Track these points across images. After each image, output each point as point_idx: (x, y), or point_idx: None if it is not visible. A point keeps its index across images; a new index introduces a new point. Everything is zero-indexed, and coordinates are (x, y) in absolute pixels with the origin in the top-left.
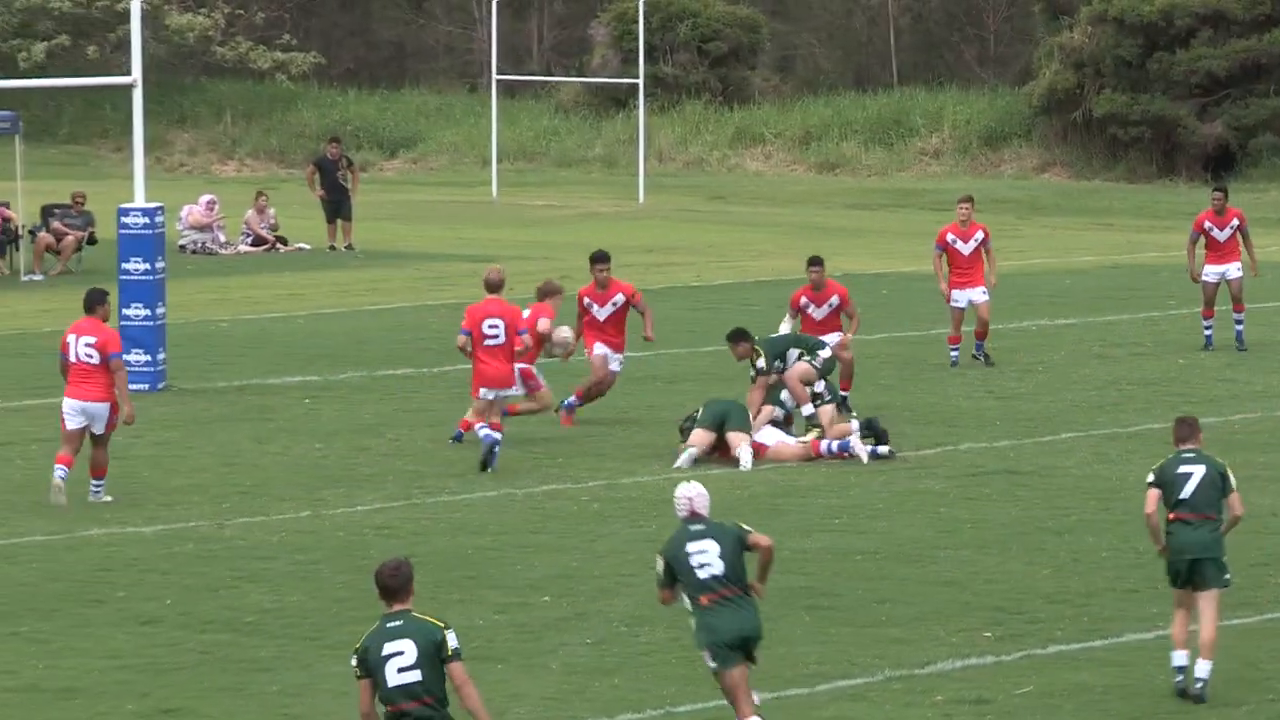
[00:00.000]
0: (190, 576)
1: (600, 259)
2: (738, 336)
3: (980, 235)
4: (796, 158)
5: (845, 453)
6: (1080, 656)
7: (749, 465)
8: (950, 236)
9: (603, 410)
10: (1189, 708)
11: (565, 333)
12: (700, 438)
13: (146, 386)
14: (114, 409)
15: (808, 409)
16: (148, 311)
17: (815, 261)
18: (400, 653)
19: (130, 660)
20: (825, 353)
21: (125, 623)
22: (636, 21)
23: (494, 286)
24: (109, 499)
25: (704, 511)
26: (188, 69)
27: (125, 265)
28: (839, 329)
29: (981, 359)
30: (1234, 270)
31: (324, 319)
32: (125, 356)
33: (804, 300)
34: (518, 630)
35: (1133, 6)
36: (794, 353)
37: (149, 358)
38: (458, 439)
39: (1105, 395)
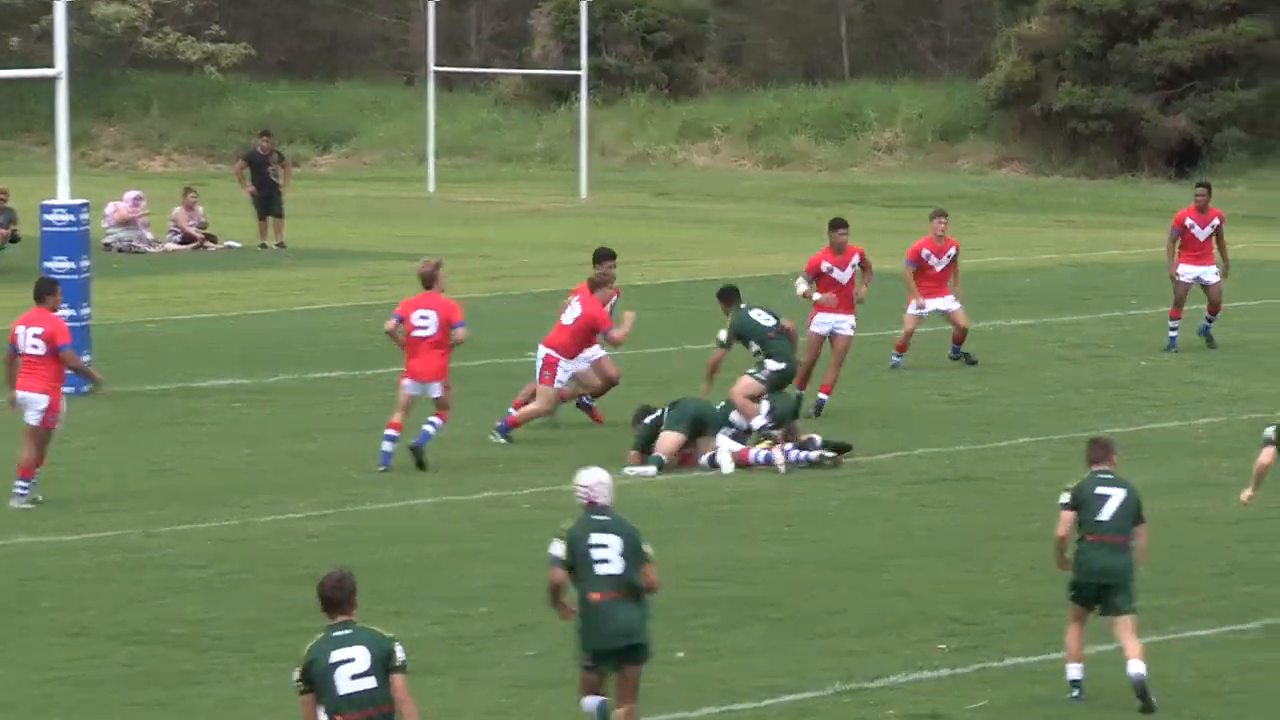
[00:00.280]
0: (118, 587)
1: (607, 256)
2: (726, 296)
3: (954, 251)
4: (745, 152)
5: (769, 463)
6: (1037, 670)
7: (730, 469)
8: (925, 252)
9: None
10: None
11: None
12: (670, 442)
13: (72, 390)
14: (52, 406)
15: (758, 421)
16: (73, 312)
17: (841, 224)
18: (352, 659)
19: (57, 673)
20: (775, 365)
21: (52, 635)
22: (578, 11)
23: (425, 280)
24: (29, 505)
25: (604, 501)
26: (114, 61)
27: (49, 264)
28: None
29: (963, 359)
30: (1211, 274)
31: (255, 320)
32: None
33: (826, 265)
34: (457, 642)
35: None
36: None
37: None
38: (503, 431)
39: (1065, 398)
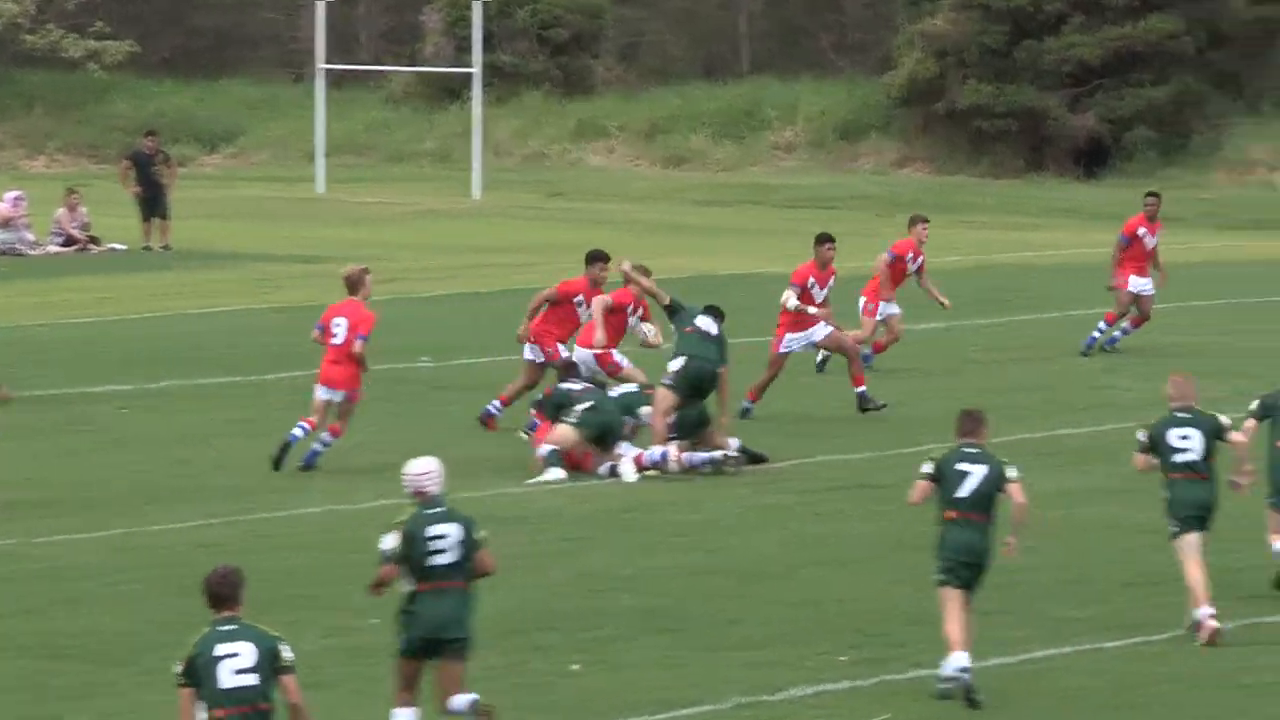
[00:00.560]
0: (2, 599)
1: (601, 258)
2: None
3: (921, 259)
4: (642, 152)
5: (663, 461)
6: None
7: (634, 478)
8: (909, 255)
9: (437, 422)
10: None
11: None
12: (566, 437)
13: None
14: None
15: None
16: None
17: (828, 239)
18: (236, 654)
19: None
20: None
21: None
22: (471, 7)
23: (349, 285)
24: None
25: (435, 490)
26: None
27: None
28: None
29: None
30: (1149, 287)
31: (140, 323)
32: None
33: (811, 279)
34: (348, 654)
35: None
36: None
37: None
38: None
39: (973, 404)
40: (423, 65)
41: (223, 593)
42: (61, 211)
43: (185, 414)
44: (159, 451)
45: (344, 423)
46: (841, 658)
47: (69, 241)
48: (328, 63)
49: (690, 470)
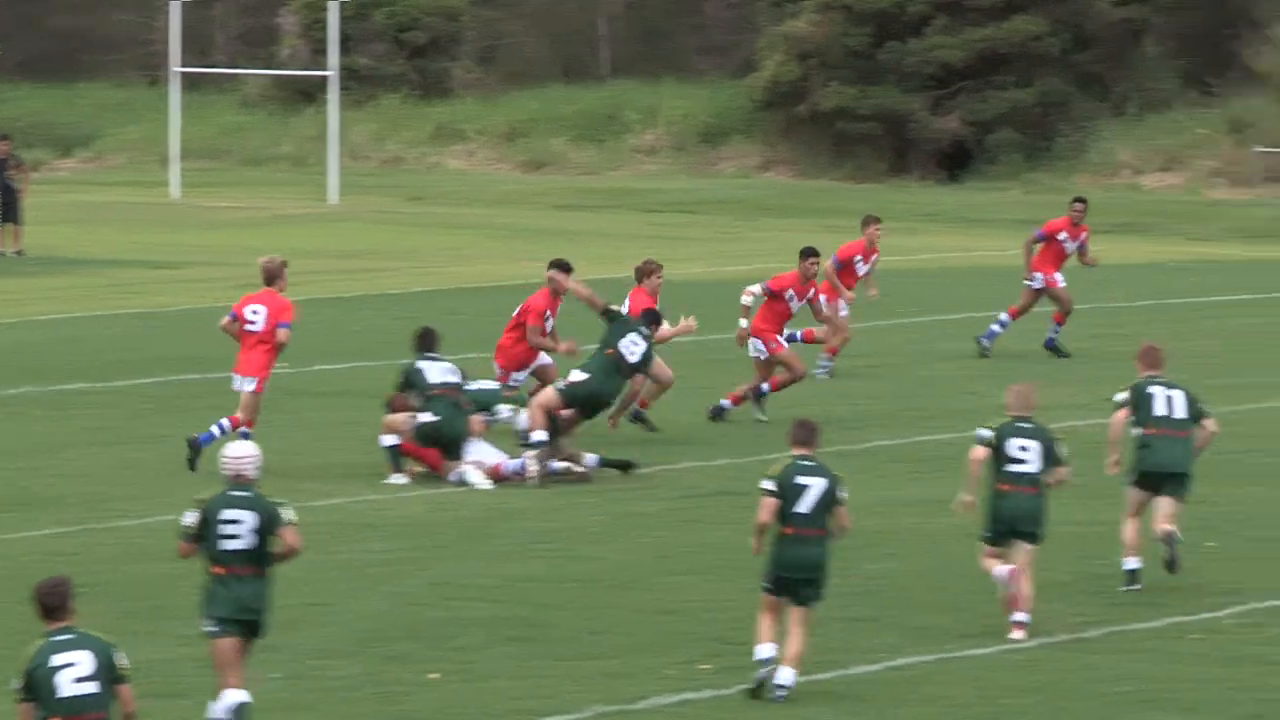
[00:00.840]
0: None
1: (565, 267)
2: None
3: (875, 259)
4: (501, 155)
5: (522, 471)
6: (803, 690)
7: (485, 485)
8: (857, 258)
9: (295, 429)
10: None
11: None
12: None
13: None
14: None
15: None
16: None
17: (813, 253)
18: (75, 664)
19: None
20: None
21: None
22: (327, 10)
23: (266, 276)
24: None
25: (252, 475)
26: None
27: None
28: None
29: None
30: (1060, 279)
31: None
32: None
33: (790, 292)
34: (202, 664)
35: None
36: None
37: None
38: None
39: (836, 410)
40: (279, 68)
41: (52, 603)
42: None
43: (40, 421)
44: (10, 460)
45: (245, 414)
46: (703, 666)
47: None
48: (183, 65)
49: (549, 478)
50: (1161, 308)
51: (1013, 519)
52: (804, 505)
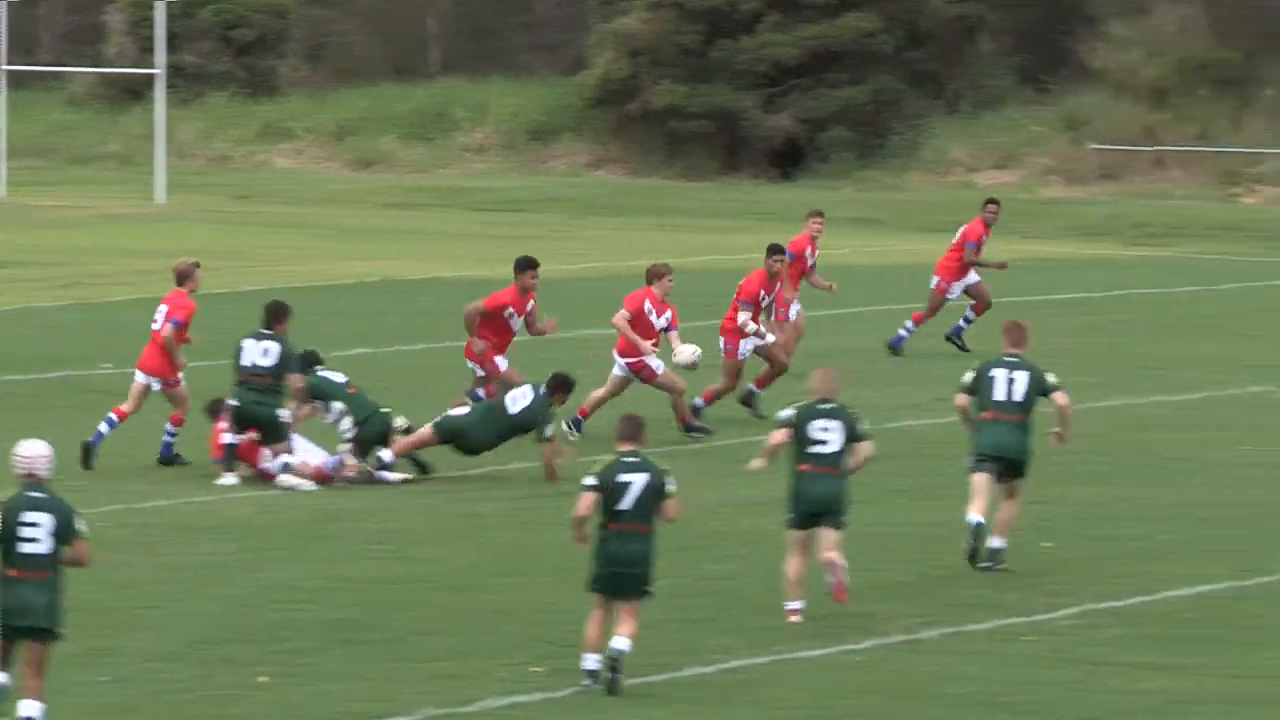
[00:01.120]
0: None
1: (531, 265)
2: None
3: (817, 253)
4: (330, 154)
5: (337, 471)
6: (638, 692)
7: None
8: (808, 251)
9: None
10: None
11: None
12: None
13: None
14: None
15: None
16: None
17: (779, 249)
18: None
19: None
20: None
21: None
22: (154, 7)
23: (178, 277)
24: None
25: (45, 475)
26: None
27: None
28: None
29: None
30: (974, 276)
31: None
32: None
33: (762, 293)
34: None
35: None
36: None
37: None
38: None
39: (665, 409)
40: (105, 66)
41: None
42: None
43: None
44: None
45: (180, 409)
46: (535, 668)
47: None
48: (8, 64)
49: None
50: (1000, 306)
51: (813, 500)
52: (626, 502)
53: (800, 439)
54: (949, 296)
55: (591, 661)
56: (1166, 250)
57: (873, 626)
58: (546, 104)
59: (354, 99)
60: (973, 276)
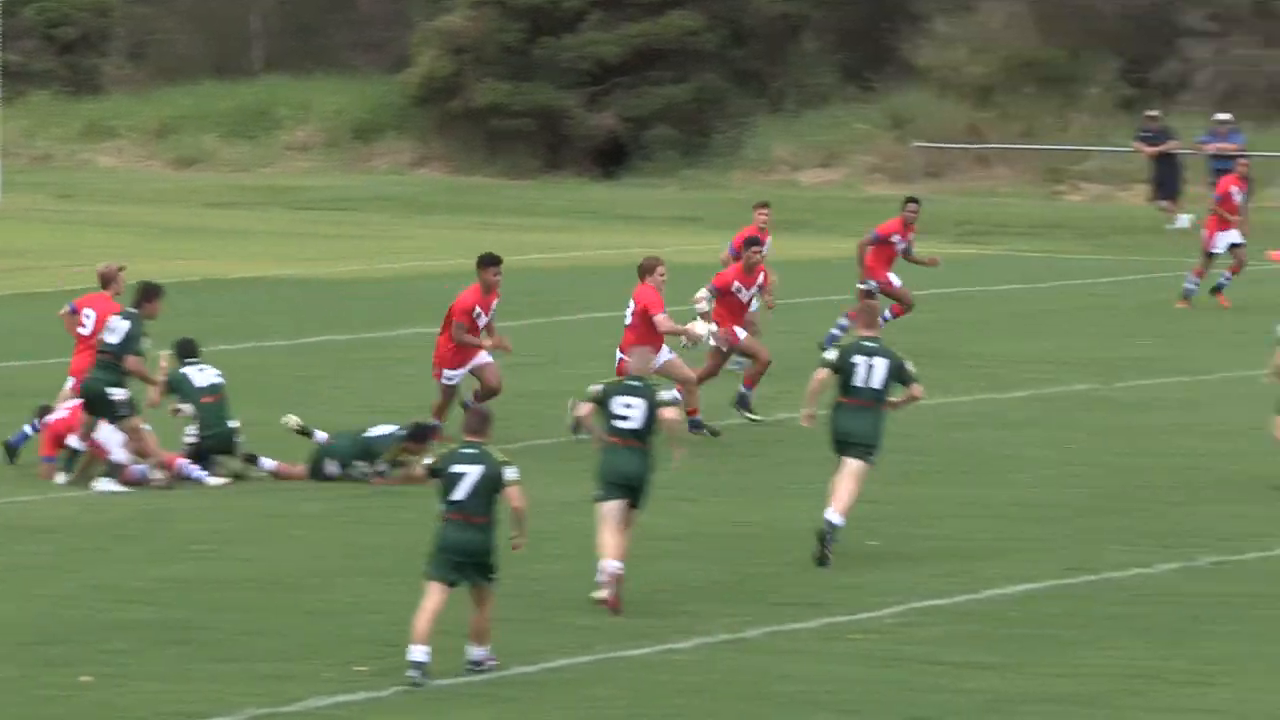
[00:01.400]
0: None
1: (494, 261)
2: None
3: (769, 242)
4: (152, 152)
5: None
6: (464, 692)
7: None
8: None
9: None
10: None
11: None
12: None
13: None
14: None
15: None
16: None
17: (756, 242)
18: None
19: None
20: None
21: None
22: None
23: (102, 280)
24: None
25: None
26: None
27: None
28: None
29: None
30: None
31: None
32: None
33: (736, 284)
34: None
35: None
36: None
37: None
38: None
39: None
40: None
41: None
42: None
43: None
44: None
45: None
46: (360, 668)
47: None
48: None
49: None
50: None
51: (614, 473)
52: (460, 493)
53: (604, 414)
54: (897, 284)
55: (418, 653)
56: (990, 248)
57: (695, 626)
58: (370, 102)
59: (177, 97)
60: (896, 280)
